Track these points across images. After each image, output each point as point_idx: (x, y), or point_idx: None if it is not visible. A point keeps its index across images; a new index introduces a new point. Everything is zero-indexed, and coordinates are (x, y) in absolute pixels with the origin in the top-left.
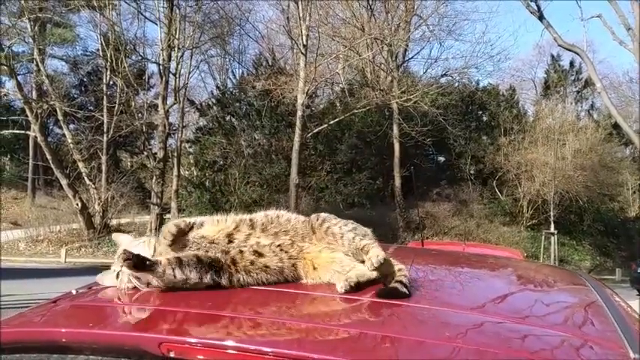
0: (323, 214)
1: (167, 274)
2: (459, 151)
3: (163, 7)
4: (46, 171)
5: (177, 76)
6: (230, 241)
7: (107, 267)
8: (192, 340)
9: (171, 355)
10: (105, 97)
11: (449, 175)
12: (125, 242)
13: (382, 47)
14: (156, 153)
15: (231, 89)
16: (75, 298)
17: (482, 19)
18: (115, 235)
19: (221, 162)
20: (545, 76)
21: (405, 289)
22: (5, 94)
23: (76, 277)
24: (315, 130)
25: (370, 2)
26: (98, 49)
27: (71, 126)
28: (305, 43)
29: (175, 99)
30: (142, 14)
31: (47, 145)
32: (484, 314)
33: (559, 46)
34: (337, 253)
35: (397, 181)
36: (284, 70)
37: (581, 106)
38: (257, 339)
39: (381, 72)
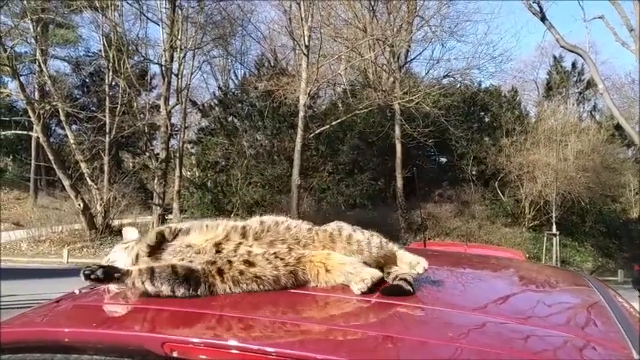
0: (340, 223)
1: (137, 286)
2: (461, 152)
3: (166, 8)
4: (48, 171)
5: (179, 76)
6: (218, 251)
7: None
8: (196, 340)
9: (175, 354)
10: (107, 97)
11: (451, 176)
12: (127, 237)
13: (384, 48)
14: (158, 154)
15: (233, 90)
16: (78, 298)
17: (485, 20)
18: (124, 230)
19: (223, 163)
20: (548, 77)
21: (409, 287)
22: (8, 95)
23: (78, 277)
24: (317, 131)
25: (372, 3)
26: (100, 50)
27: (73, 126)
28: (307, 43)
29: (177, 100)
30: (144, 15)
31: (49, 145)
32: (487, 315)
33: (561, 47)
34: (347, 256)
35: (399, 182)
36: (286, 71)
37: (584, 108)
38: (260, 339)
39: (383, 73)
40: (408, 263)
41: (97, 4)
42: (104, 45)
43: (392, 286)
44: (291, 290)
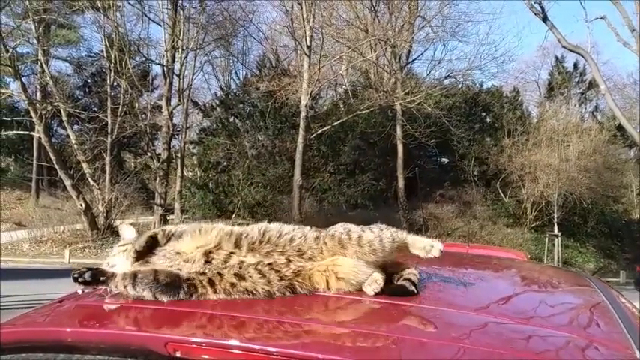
0: (346, 225)
1: (120, 290)
2: (463, 152)
3: (167, 9)
4: (50, 172)
5: (181, 77)
6: (207, 261)
7: None
8: (198, 340)
9: (178, 354)
10: (109, 98)
11: (452, 177)
12: (125, 236)
13: (386, 48)
14: (159, 154)
15: (234, 90)
16: (80, 297)
17: (486, 21)
18: (121, 227)
19: (224, 163)
20: (549, 77)
21: (412, 287)
22: (10, 95)
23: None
24: (319, 132)
25: (374, 3)
26: (102, 51)
27: (75, 127)
28: (309, 44)
29: (179, 100)
30: (146, 15)
31: (51, 145)
32: (489, 315)
33: (563, 47)
34: (353, 260)
35: (400, 183)
36: (288, 72)
37: (585, 108)
38: (262, 339)
39: (384, 73)
40: (422, 248)
41: (99, 5)
42: (106, 45)
43: (396, 287)
44: None
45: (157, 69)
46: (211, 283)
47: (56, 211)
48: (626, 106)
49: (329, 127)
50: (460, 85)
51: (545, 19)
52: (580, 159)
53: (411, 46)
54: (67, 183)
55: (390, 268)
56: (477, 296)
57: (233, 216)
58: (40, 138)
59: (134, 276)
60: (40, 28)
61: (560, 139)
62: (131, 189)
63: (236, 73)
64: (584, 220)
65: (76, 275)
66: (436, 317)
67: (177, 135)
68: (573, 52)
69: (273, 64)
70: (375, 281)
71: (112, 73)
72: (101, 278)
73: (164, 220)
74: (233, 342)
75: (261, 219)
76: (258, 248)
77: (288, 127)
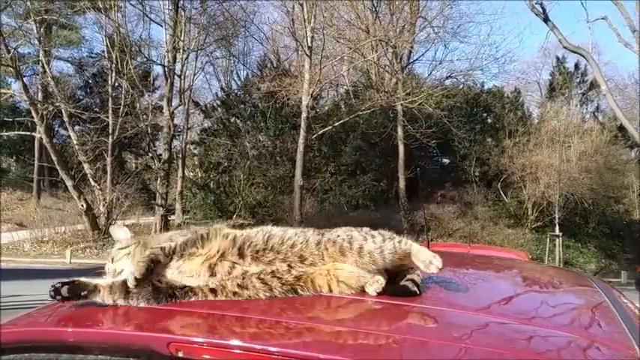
0: (350, 232)
1: (107, 302)
2: (464, 153)
3: (168, 9)
4: (51, 172)
5: (182, 77)
6: (212, 274)
7: None
8: (201, 340)
9: (180, 354)
10: (110, 98)
11: (453, 177)
12: (120, 241)
13: (387, 49)
14: (161, 154)
15: (235, 91)
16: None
17: (487, 21)
18: (112, 229)
19: (226, 163)
20: (551, 78)
21: (415, 288)
22: (11, 96)
23: (82, 278)
24: (320, 132)
25: (375, 4)
26: (103, 51)
27: (76, 127)
28: (310, 44)
29: (180, 101)
30: (147, 16)
31: (52, 146)
32: (491, 315)
33: (564, 48)
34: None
35: (401, 183)
36: (289, 72)
37: (587, 109)
38: (263, 339)
39: (385, 74)
40: (423, 262)
41: (100, 5)
42: (107, 46)
43: (398, 287)
44: None
45: (158, 69)
46: (213, 291)
47: (57, 211)
48: (628, 107)
49: (330, 127)
50: (461, 86)
51: (546, 19)
52: (581, 159)
53: (412, 47)
54: (69, 183)
55: (393, 268)
56: (479, 297)
57: (234, 216)
58: (41, 138)
59: (126, 291)
60: (42, 29)
61: (562, 140)
62: (132, 189)
63: (237, 73)
64: (585, 220)
65: (52, 293)
66: (437, 317)
67: (179, 135)
68: (574, 52)
69: (274, 65)
70: (376, 281)
71: (114, 74)
72: (82, 293)
73: (165, 221)
74: (234, 342)
75: (262, 219)
76: (261, 257)
77: (289, 127)
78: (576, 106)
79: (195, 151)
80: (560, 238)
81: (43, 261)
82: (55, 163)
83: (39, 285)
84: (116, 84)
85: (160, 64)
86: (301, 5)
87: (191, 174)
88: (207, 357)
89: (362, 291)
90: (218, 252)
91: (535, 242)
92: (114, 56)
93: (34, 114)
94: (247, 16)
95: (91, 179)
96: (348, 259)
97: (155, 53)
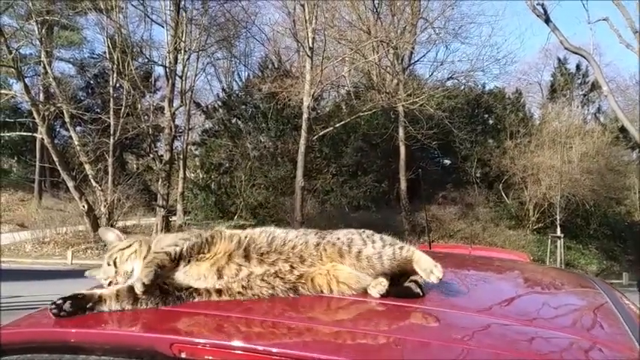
0: (351, 234)
1: (114, 309)
2: (465, 154)
3: (170, 10)
4: (52, 173)
5: (183, 78)
6: (220, 277)
7: None
8: (203, 341)
9: (183, 355)
10: (111, 99)
11: (455, 179)
12: (112, 242)
13: (388, 50)
14: (162, 155)
15: (237, 92)
16: None
17: (489, 22)
18: (101, 231)
19: (227, 164)
20: (552, 79)
21: (418, 290)
22: (13, 96)
23: (83, 278)
24: (321, 133)
25: (376, 5)
26: (105, 52)
27: (78, 128)
28: (311, 45)
29: (181, 101)
30: (148, 17)
31: (54, 147)
32: (492, 316)
33: (565, 49)
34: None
35: (403, 184)
36: (290, 73)
37: (588, 110)
38: (265, 340)
39: (386, 75)
40: (424, 270)
41: (102, 6)
42: (109, 47)
43: (402, 289)
44: None
45: (159, 70)
46: (219, 292)
47: (59, 212)
48: (629, 108)
49: (331, 128)
50: (462, 87)
51: (547, 20)
52: (583, 161)
53: (413, 48)
54: (70, 184)
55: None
56: (480, 298)
57: (235, 217)
58: (42, 139)
59: (134, 298)
60: (43, 30)
61: (563, 141)
62: (133, 190)
63: (238, 74)
64: (586, 221)
65: (54, 311)
66: (440, 318)
67: (180, 136)
68: (576, 53)
69: (276, 66)
70: (379, 283)
71: (115, 75)
72: (87, 305)
73: (166, 222)
74: (236, 343)
75: (263, 220)
76: (265, 258)
77: (291, 128)
78: (578, 108)
79: (197, 152)
80: (562, 240)
81: (45, 262)
82: (57, 163)
83: (40, 286)
84: (117, 85)
85: (161, 65)
86: (302, 6)
87: (192, 175)
88: (210, 358)
89: (363, 292)
90: (224, 255)
91: (536, 243)
92: (115, 57)
93: (35, 115)
94: (249, 17)
95: (92, 180)
96: (345, 262)
97: (156, 54)
